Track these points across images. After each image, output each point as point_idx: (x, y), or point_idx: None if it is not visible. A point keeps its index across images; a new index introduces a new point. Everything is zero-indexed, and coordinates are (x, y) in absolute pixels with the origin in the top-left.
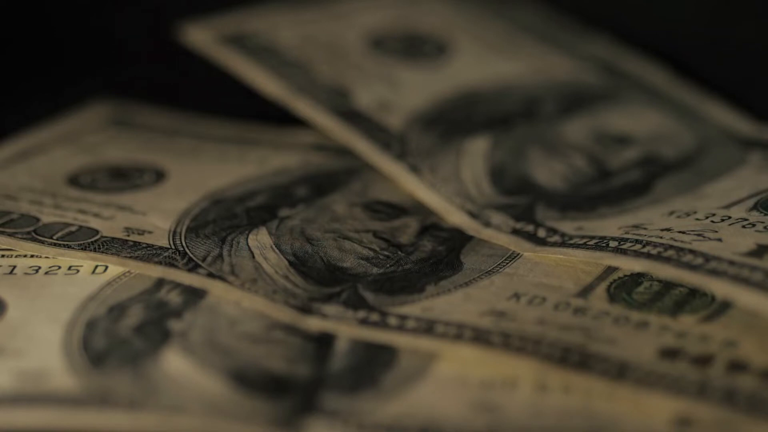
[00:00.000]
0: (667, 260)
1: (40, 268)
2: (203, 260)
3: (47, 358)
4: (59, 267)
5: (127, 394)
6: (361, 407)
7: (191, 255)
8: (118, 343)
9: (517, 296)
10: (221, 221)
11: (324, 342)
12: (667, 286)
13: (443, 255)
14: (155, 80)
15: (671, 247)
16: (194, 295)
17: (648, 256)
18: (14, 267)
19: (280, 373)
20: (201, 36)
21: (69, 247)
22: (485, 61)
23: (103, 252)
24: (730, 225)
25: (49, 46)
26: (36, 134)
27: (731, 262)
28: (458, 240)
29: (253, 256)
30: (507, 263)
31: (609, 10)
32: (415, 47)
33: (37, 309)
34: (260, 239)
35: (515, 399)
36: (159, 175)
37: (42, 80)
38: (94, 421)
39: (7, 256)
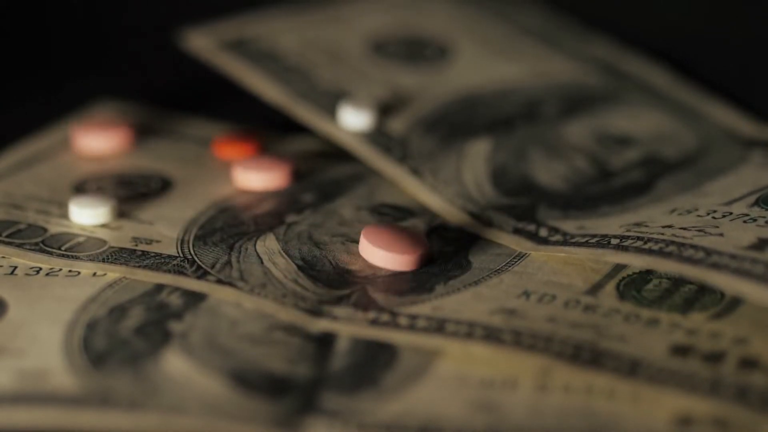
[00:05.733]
0: (669, 255)
1: (41, 269)
2: (212, 267)
3: (48, 358)
4: (60, 269)
5: (128, 395)
6: (361, 407)
7: (200, 263)
8: (118, 344)
9: (526, 294)
10: (228, 228)
11: (324, 342)
12: (677, 283)
13: (451, 255)
14: (155, 82)
15: (672, 242)
16: (195, 297)
17: (650, 252)
18: (15, 268)
19: (280, 373)
20: (202, 42)
21: (77, 258)
22: (486, 64)
23: (111, 263)
24: (731, 221)
25: (49, 46)
26: (39, 140)
27: (732, 256)
28: (466, 240)
29: (262, 262)
30: (515, 262)
31: (610, 12)
32: (417, 51)
33: (38, 310)
34: (268, 245)
35: (515, 398)
36: (165, 183)
37: (41, 80)
38: (94, 420)
39: (8, 257)
